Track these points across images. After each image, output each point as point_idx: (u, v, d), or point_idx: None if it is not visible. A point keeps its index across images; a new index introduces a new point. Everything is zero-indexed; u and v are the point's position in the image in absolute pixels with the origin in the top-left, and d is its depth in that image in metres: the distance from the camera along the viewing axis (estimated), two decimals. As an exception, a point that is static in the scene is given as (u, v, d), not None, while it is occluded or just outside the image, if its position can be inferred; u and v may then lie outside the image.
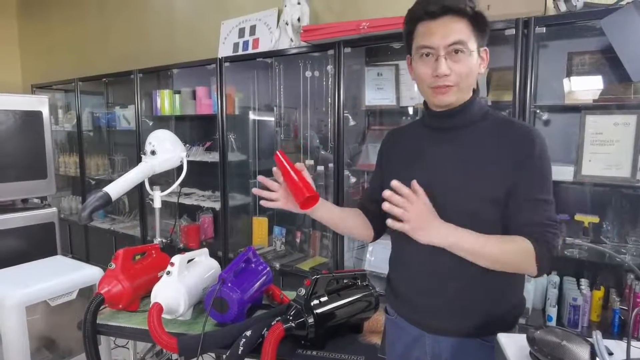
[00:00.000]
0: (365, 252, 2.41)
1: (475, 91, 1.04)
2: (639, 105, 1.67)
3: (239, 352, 1.18)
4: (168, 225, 2.98)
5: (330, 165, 2.37)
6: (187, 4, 3.43)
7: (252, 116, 2.96)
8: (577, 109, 1.79)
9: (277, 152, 1.12)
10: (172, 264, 1.42)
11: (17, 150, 2.54)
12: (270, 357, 1.15)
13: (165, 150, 1.76)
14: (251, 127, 2.96)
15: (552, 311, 1.79)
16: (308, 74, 2.59)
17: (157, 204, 1.83)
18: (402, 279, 1.13)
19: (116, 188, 1.61)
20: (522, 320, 1.58)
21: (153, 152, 1.73)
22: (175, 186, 1.81)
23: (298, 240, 2.80)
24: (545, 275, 1.88)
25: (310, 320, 1.21)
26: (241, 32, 2.94)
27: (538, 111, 1.86)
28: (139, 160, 1.79)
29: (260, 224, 2.86)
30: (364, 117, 2.50)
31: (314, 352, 1.25)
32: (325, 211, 1.15)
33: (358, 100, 2.41)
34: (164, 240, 1.81)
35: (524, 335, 0.82)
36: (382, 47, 2.28)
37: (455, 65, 0.96)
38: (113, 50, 4.05)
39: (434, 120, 1.07)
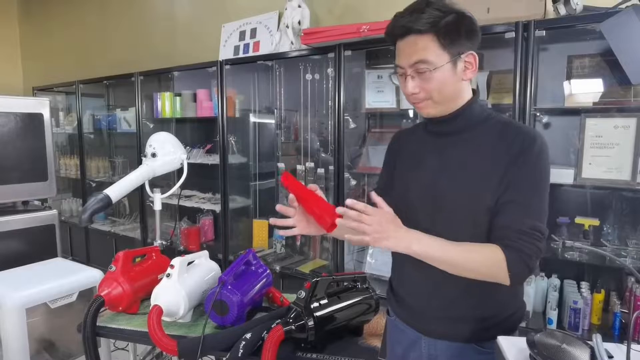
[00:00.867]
0: (366, 254, 2.41)
1: (475, 95, 1.04)
2: (639, 108, 1.68)
3: (239, 355, 1.18)
4: (168, 228, 2.99)
5: (331, 167, 2.37)
6: (188, 6, 3.44)
7: (252, 119, 2.97)
8: (577, 112, 1.79)
9: (283, 175, 1.07)
10: (172, 267, 1.42)
11: (18, 152, 2.55)
12: (270, 360, 1.15)
13: (166, 152, 1.77)
14: (252, 129, 2.97)
15: (553, 314, 1.79)
16: (308, 76, 2.59)
17: (158, 206, 1.83)
18: (401, 281, 1.14)
19: (116, 190, 1.61)
20: (522, 324, 1.57)
21: (154, 155, 1.74)
22: (175, 188, 1.82)
23: (298, 242, 2.80)
24: (545, 278, 1.88)
25: (310, 322, 1.21)
26: (242, 35, 2.95)
27: (538, 114, 1.86)
28: (140, 162, 1.79)
29: (260, 227, 2.86)
30: (364, 119, 2.50)
31: (314, 355, 1.24)
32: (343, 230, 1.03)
33: (358, 103, 2.41)
34: (164, 243, 1.82)
35: (524, 338, 0.82)
36: (383, 50, 2.29)
37: (423, 83, 0.97)
38: (114, 52, 4.06)
39: (432, 125, 1.08)
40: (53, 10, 4.69)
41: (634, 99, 1.69)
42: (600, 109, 1.74)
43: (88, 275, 1.97)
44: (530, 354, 0.79)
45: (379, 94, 2.34)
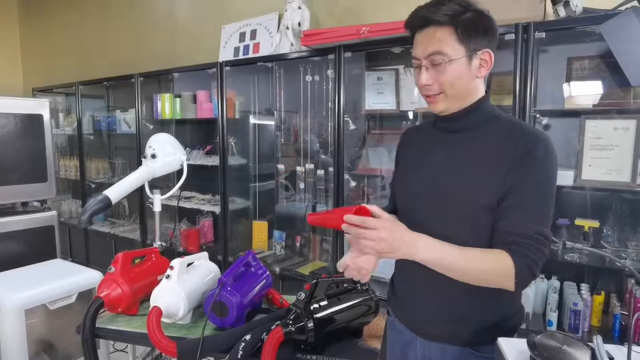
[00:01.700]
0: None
1: (486, 94, 1.04)
2: (639, 110, 1.68)
3: (239, 356, 1.18)
4: (168, 229, 2.98)
5: (330, 169, 2.37)
6: (188, 8, 3.45)
7: (252, 120, 2.97)
8: (577, 113, 1.79)
9: (308, 219, 1.10)
10: (172, 268, 1.41)
11: (17, 153, 2.55)
12: (269, 362, 1.15)
13: (166, 153, 1.76)
14: (251, 131, 2.97)
15: (553, 316, 1.79)
16: (308, 78, 2.59)
17: (157, 208, 1.83)
18: (401, 281, 1.14)
19: (116, 191, 1.61)
20: (522, 325, 1.57)
21: (153, 156, 1.74)
22: (175, 190, 1.81)
23: (298, 244, 2.79)
24: (545, 280, 1.88)
25: (310, 324, 1.21)
26: (242, 37, 2.95)
27: (538, 116, 1.86)
28: (139, 163, 1.79)
29: (260, 228, 2.85)
30: (364, 121, 2.50)
31: (314, 357, 1.24)
32: None
33: (358, 105, 2.41)
34: (163, 244, 1.81)
35: (525, 340, 0.82)
36: (382, 51, 2.29)
37: (437, 75, 0.97)
38: (114, 53, 4.06)
39: (441, 122, 1.08)
40: (53, 11, 4.69)
41: (634, 101, 1.69)
42: (600, 111, 1.74)
43: (87, 277, 1.96)
44: (530, 356, 0.79)
45: (378, 96, 2.34)
